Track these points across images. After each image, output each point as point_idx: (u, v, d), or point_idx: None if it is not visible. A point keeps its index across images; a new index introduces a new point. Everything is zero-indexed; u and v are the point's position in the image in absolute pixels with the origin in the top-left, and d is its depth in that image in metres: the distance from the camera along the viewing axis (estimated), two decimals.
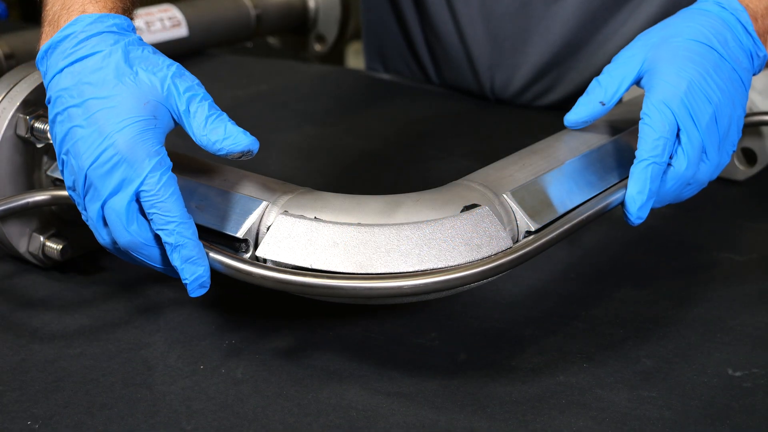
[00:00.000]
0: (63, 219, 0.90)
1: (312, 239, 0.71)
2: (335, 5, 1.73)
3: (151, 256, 0.73)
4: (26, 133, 0.85)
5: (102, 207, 0.72)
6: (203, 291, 0.73)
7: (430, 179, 0.84)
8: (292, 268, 0.71)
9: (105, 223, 0.73)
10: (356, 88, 1.52)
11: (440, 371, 0.77)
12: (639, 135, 0.80)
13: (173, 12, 1.51)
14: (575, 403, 0.73)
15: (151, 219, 0.71)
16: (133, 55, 0.74)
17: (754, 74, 0.86)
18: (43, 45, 0.75)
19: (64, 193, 0.82)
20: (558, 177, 0.80)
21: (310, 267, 0.71)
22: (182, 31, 1.51)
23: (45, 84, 0.75)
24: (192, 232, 0.72)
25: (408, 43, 1.48)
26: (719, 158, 0.82)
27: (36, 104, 0.86)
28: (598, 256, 0.97)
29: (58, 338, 0.80)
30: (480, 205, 0.74)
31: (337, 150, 1.23)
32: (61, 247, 0.88)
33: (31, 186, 0.88)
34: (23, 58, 1.31)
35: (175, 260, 0.72)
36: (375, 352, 0.79)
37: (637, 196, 0.79)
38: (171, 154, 0.73)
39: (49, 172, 0.88)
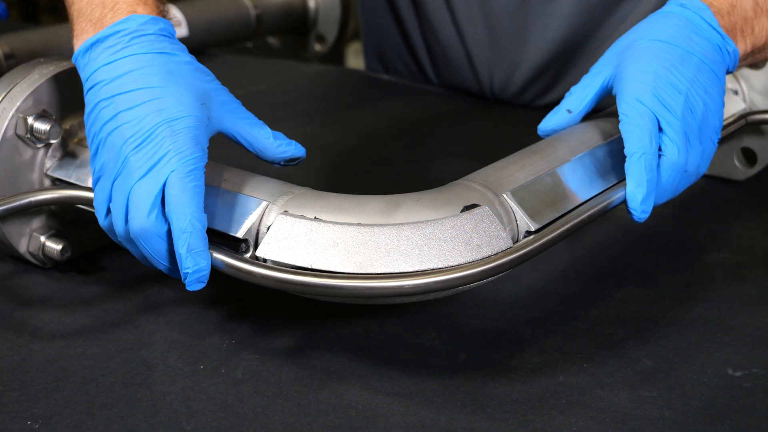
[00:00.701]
0: (63, 219, 0.90)
1: (312, 239, 0.71)
2: (335, 5, 1.73)
3: (158, 249, 0.73)
4: (26, 133, 0.85)
5: (130, 190, 0.73)
6: (201, 286, 0.73)
7: (430, 179, 0.83)
8: (292, 268, 0.71)
9: (126, 212, 0.74)
10: (356, 88, 1.52)
11: (440, 371, 0.77)
12: (623, 135, 0.81)
13: (173, 12, 1.51)
14: (575, 403, 0.73)
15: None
16: (186, 60, 0.78)
17: (728, 71, 0.88)
18: (89, 38, 0.77)
19: (66, 192, 0.83)
20: (558, 177, 0.80)
21: (310, 267, 0.71)
22: (182, 31, 1.51)
23: (85, 74, 0.77)
24: (203, 225, 0.72)
25: (407, 44, 1.48)
26: (702, 146, 0.83)
27: (36, 104, 0.86)
28: (598, 256, 0.97)
29: (58, 338, 0.80)
30: (480, 205, 0.74)
31: (337, 150, 1.23)
32: (61, 247, 0.88)
33: (31, 186, 0.88)
34: (23, 58, 1.31)
35: (181, 247, 0.72)
36: (375, 352, 0.79)
37: (637, 191, 0.79)
38: None
39: (49, 172, 0.88)
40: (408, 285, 0.69)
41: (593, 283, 0.91)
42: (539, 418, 0.71)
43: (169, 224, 0.73)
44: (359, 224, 0.72)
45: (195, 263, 0.72)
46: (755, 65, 1.08)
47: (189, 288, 0.73)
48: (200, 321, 0.83)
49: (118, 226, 0.75)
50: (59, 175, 0.87)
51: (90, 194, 0.81)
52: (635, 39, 0.86)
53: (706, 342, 0.81)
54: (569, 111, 0.88)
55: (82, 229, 0.90)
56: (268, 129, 0.81)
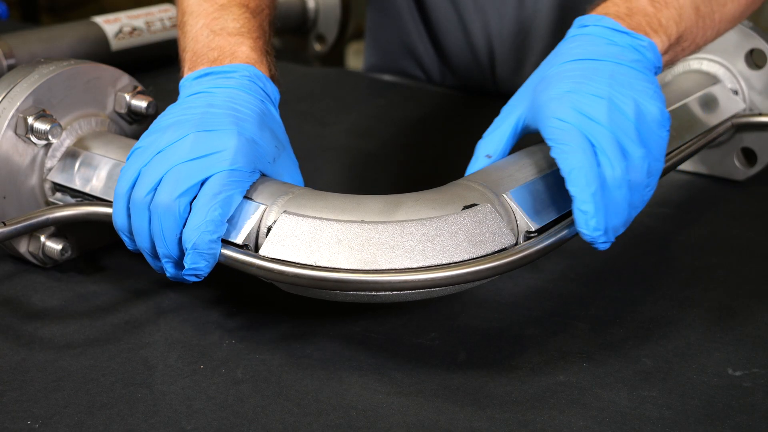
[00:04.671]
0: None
1: (316, 237, 0.71)
2: (335, 5, 1.73)
3: (169, 230, 0.74)
4: (26, 133, 0.85)
5: (174, 166, 0.74)
6: (195, 279, 0.75)
7: (430, 179, 0.83)
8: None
9: (158, 183, 0.75)
10: (356, 88, 1.52)
11: (440, 371, 0.77)
12: (556, 161, 0.75)
13: (173, 12, 1.51)
14: (575, 403, 0.73)
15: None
16: (278, 117, 0.85)
17: (656, 66, 0.83)
18: (205, 68, 0.84)
19: (85, 209, 0.82)
20: (558, 177, 0.80)
21: (314, 264, 0.71)
22: None
23: (189, 91, 0.83)
24: (217, 232, 0.73)
25: (409, 42, 1.48)
26: (644, 147, 0.76)
27: (36, 104, 0.86)
28: (597, 256, 0.96)
29: (58, 338, 0.80)
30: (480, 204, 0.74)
31: (337, 150, 1.23)
32: (61, 247, 0.88)
33: (31, 186, 0.88)
34: (23, 58, 1.31)
35: (187, 242, 0.73)
36: (375, 352, 0.79)
37: (586, 207, 0.73)
38: None
39: (48, 177, 0.88)
40: (466, 273, 0.71)
41: (593, 283, 0.91)
42: (539, 418, 0.71)
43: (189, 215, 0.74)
44: (363, 221, 0.72)
45: (193, 262, 0.73)
46: (761, 67, 1.08)
47: (184, 274, 0.74)
48: (200, 321, 0.83)
49: (139, 193, 0.75)
50: (60, 180, 0.87)
51: (107, 210, 0.81)
52: (545, 70, 0.83)
53: (706, 342, 0.81)
54: (488, 156, 0.84)
55: (82, 229, 0.90)
56: None
